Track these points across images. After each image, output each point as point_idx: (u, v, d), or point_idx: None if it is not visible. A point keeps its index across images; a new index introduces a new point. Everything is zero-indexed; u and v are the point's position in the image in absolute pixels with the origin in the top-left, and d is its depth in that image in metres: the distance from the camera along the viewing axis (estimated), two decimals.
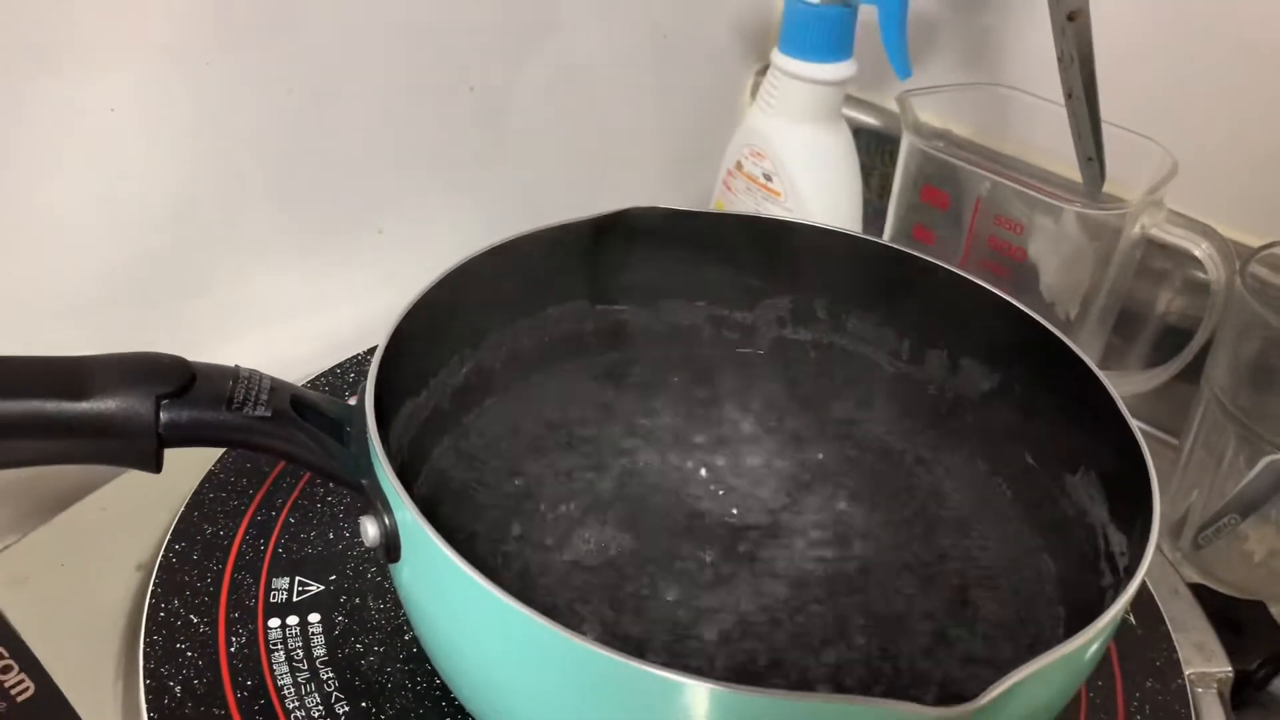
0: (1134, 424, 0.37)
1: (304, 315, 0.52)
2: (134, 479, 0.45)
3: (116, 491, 0.45)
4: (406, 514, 0.31)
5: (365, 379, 0.34)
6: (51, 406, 0.29)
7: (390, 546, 0.32)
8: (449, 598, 0.31)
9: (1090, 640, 0.30)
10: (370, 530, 0.32)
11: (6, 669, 0.37)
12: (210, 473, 0.44)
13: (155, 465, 0.31)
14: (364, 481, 0.33)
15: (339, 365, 0.50)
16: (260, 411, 0.32)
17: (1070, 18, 0.46)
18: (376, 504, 0.32)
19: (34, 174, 0.41)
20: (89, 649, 0.38)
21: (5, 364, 0.30)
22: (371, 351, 0.50)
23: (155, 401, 0.30)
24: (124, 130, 0.42)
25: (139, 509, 0.44)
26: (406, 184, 0.53)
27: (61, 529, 0.43)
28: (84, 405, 0.30)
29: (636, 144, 0.64)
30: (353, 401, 0.36)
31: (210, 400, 0.31)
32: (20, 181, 0.41)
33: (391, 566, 0.34)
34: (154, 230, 0.45)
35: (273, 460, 0.44)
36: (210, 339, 0.49)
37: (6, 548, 0.43)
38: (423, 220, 0.55)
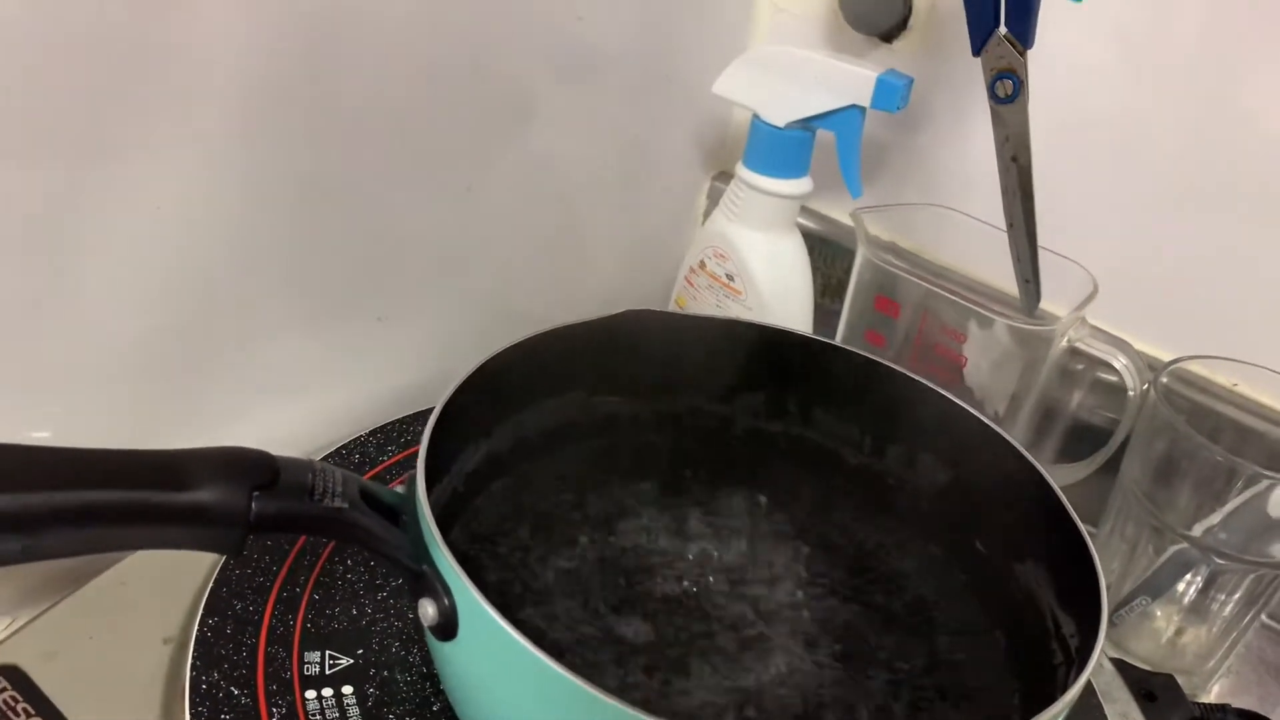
0: (1079, 521, 0.43)
1: (306, 396, 0.55)
2: (147, 556, 0.47)
3: (132, 568, 0.47)
4: (470, 597, 0.34)
5: (415, 470, 0.38)
6: (157, 498, 0.32)
7: (447, 626, 0.36)
8: (508, 673, 0.34)
9: (1059, 713, 0.35)
10: (429, 611, 0.36)
11: None
12: None
13: (239, 550, 0.34)
14: (424, 567, 0.36)
15: (344, 446, 0.53)
16: (338, 502, 0.35)
17: (1014, 159, 0.52)
18: (436, 587, 0.36)
19: (77, 258, 0.43)
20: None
21: (113, 457, 0.33)
22: (373, 434, 0.54)
23: (249, 494, 0.33)
24: (165, 225, 0.45)
25: (157, 584, 0.46)
26: (405, 275, 0.56)
27: (84, 603, 0.45)
28: (185, 496, 0.33)
29: (605, 241, 0.69)
30: (398, 488, 0.39)
31: (295, 492, 0.34)
32: (64, 264, 0.43)
33: (443, 644, 0.37)
34: (180, 314, 0.48)
35: (291, 540, 0.47)
36: (221, 415, 0.51)
37: (30, 621, 0.44)
38: (417, 309, 0.58)
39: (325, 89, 0.48)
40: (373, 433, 0.54)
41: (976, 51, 0.51)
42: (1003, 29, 0.50)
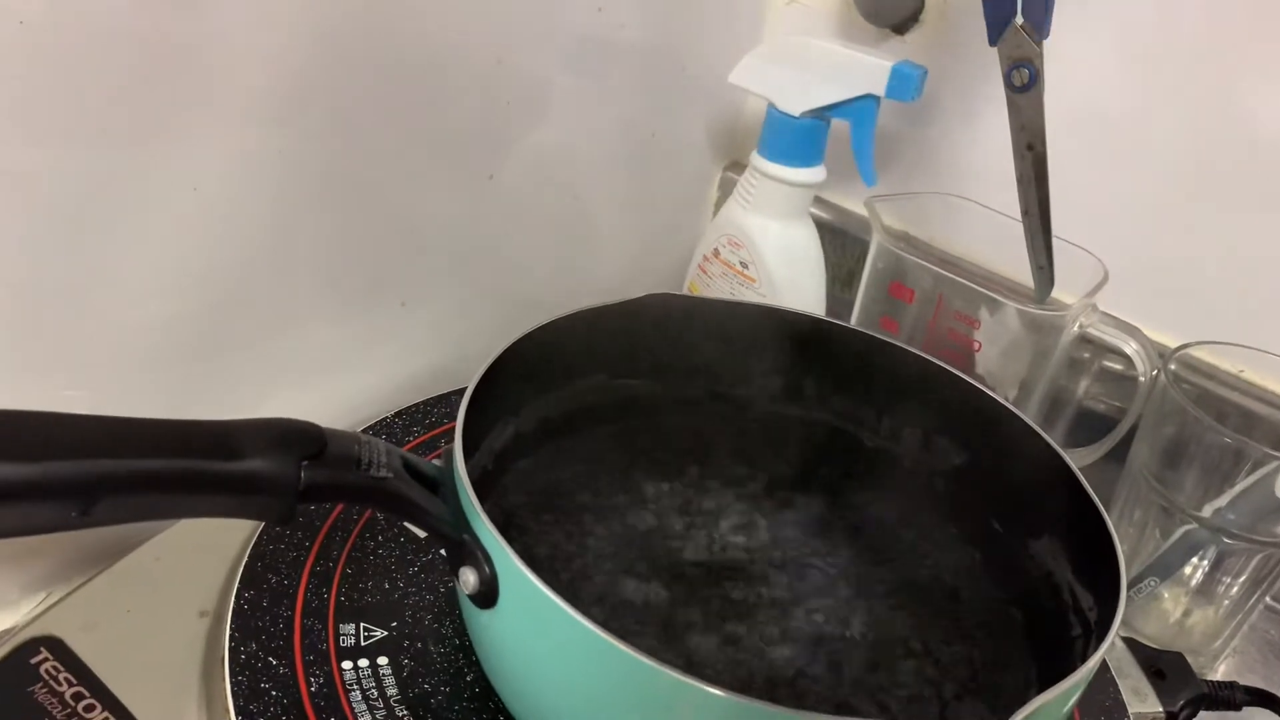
0: (1093, 494, 0.44)
1: (333, 379, 0.55)
2: (180, 532, 0.48)
3: (166, 543, 0.47)
4: (510, 563, 0.35)
5: (453, 443, 0.39)
6: (211, 466, 0.33)
7: (488, 594, 0.37)
8: (547, 638, 0.35)
9: (1081, 680, 0.36)
10: (470, 579, 0.37)
11: (90, 708, 0.40)
12: (265, 526, 0.47)
13: (288, 519, 0.35)
14: (464, 536, 0.37)
15: (370, 427, 0.54)
16: (383, 473, 0.36)
17: (1029, 147, 0.53)
18: (477, 555, 0.37)
19: (116, 240, 0.44)
20: (169, 689, 0.41)
21: (169, 427, 0.33)
22: (398, 415, 0.55)
23: (298, 463, 0.34)
24: (204, 207, 0.46)
25: (191, 560, 0.47)
26: (428, 262, 0.57)
27: (120, 578, 0.46)
28: (238, 465, 0.33)
29: (618, 230, 0.70)
30: (436, 462, 0.40)
31: (342, 462, 0.35)
32: (103, 241, 0.43)
33: (481, 612, 0.38)
34: (213, 296, 0.48)
35: (323, 516, 0.48)
36: (250, 398, 0.52)
37: (68, 595, 0.45)
38: (438, 295, 0.59)
39: (352, 80, 0.49)
40: (398, 414, 0.55)
41: (993, 41, 0.52)
42: (1019, 19, 0.51)
